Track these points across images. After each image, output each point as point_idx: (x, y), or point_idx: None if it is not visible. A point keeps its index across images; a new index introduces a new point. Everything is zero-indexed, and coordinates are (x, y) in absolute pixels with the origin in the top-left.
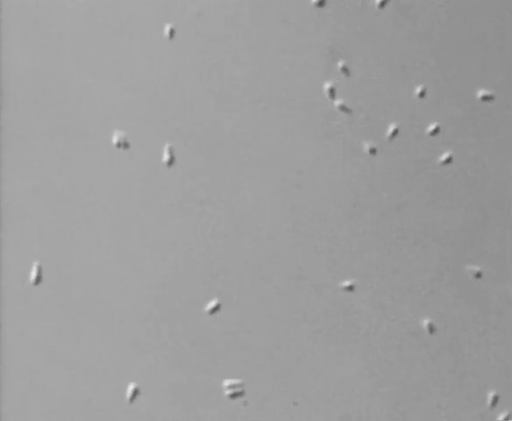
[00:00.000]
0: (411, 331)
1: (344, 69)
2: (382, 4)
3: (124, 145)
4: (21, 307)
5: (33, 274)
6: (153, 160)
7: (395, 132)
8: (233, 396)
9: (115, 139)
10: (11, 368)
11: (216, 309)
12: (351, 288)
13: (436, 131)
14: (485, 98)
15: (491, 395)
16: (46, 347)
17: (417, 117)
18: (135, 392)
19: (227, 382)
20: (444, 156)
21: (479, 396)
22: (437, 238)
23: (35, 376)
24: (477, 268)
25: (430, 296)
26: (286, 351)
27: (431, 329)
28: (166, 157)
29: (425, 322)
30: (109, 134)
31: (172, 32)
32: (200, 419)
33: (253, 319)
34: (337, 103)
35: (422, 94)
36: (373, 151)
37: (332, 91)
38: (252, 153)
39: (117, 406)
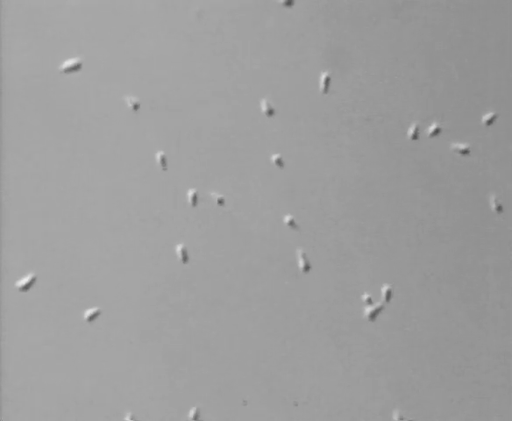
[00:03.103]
0: (411, 332)
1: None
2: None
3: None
4: (19, 309)
5: (30, 276)
6: (154, 161)
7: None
8: None
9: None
10: (12, 368)
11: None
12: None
13: (436, 131)
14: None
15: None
16: (46, 348)
17: (418, 117)
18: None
19: None
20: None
21: (479, 396)
22: (436, 237)
23: (35, 378)
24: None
25: (429, 296)
26: (286, 351)
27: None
28: (166, 159)
29: (425, 323)
30: (109, 133)
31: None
32: (200, 419)
33: (253, 320)
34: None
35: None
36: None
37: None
38: (251, 152)
39: (118, 407)
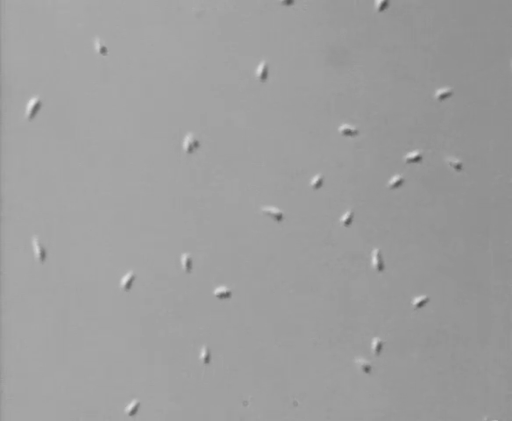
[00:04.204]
0: (411, 332)
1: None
2: (382, 7)
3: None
4: (17, 312)
5: (36, 252)
6: (154, 156)
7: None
8: None
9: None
10: (11, 369)
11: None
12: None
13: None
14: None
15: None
16: (46, 343)
17: (418, 117)
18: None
19: None
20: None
21: (479, 399)
22: (437, 237)
23: (35, 374)
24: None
25: (429, 296)
26: (286, 351)
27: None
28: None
29: (425, 323)
30: (108, 127)
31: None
32: (200, 419)
33: (254, 320)
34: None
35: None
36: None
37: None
38: (251, 153)
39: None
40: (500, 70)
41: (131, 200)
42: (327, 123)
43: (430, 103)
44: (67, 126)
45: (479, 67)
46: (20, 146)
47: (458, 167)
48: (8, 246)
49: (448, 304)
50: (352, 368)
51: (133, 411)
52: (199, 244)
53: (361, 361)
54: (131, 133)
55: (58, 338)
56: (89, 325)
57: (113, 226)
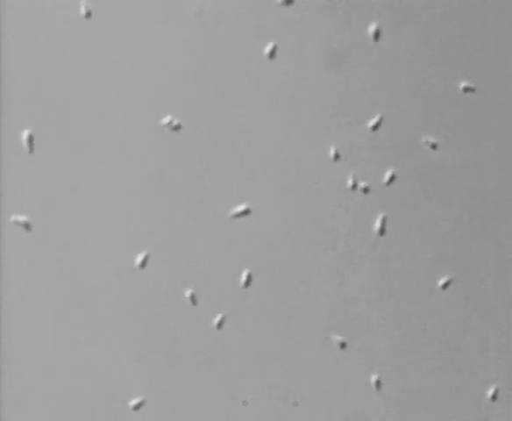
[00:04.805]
0: (412, 332)
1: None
2: (376, 36)
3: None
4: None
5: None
6: (154, 156)
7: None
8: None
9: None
10: (11, 369)
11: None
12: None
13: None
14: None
15: (490, 391)
16: (47, 337)
17: (419, 117)
18: (137, 397)
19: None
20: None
21: (478, 393)
22: (435, 237)
23: (35, 370)
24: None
25: (429, 296)
26: (286, 351)
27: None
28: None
29: (425, 322)
30: (109, 127)
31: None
32: (199, 419)
33: (254, 320)
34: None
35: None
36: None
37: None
38: (251, 152)
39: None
40: (501, 68)
41: (130, 195)
42: (326, 122)
43: (432, 101)
44: (67, 125)
45: (478, 65)
46: (20, 145)
47: (434, 146)
48: (7, 238)
49: (448, 304)
50: (353, 368)
51: (135, 408)
52: (200, 239)
53: (362, 361)
54: (132, 132)
55: (59, 332)
56: (91, 319)
57: (111, 221)
